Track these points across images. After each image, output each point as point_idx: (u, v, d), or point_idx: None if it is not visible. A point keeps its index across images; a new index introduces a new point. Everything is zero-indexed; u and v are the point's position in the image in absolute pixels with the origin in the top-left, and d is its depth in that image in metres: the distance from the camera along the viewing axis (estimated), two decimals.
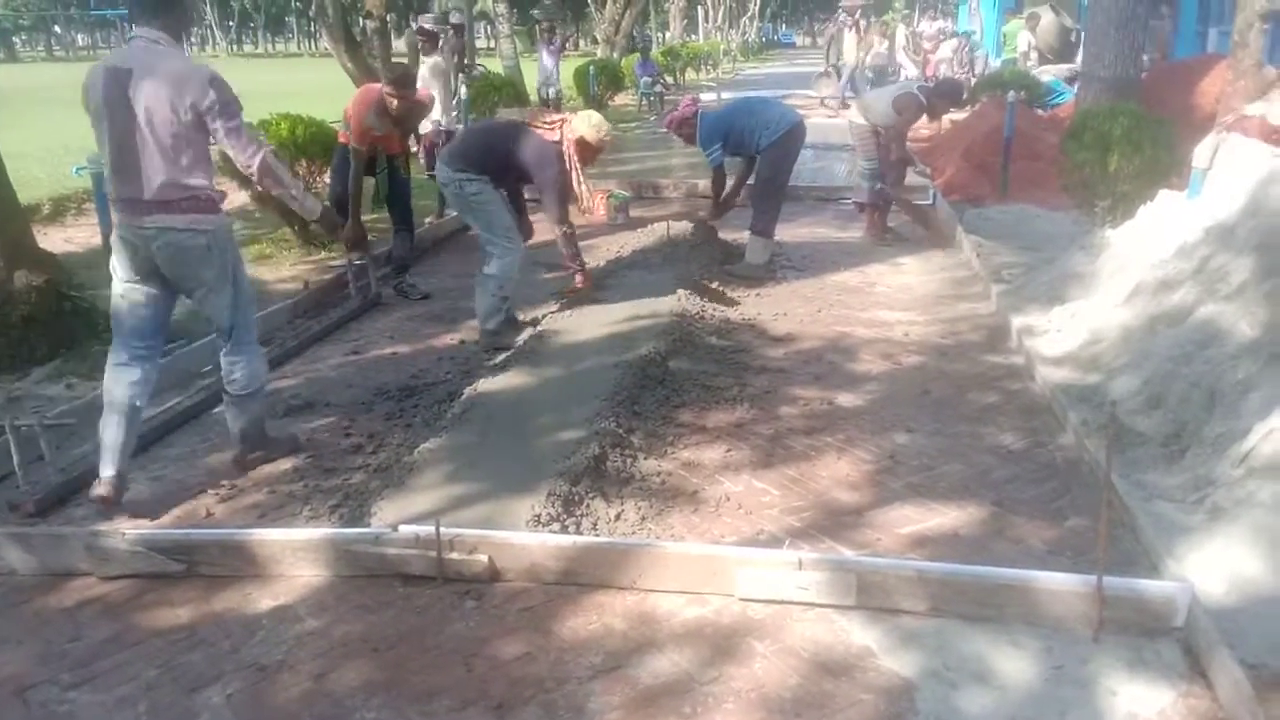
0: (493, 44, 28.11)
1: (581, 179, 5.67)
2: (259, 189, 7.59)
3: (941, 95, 7.62)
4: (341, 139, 6.65)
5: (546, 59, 16.43)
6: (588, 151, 5.63)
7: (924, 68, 18.74)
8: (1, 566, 3.22)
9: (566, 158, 5.53)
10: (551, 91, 16.57)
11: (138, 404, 3.65)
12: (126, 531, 3.20)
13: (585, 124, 5.57)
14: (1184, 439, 3.67)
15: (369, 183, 6.62)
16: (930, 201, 8.93)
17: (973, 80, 16.84)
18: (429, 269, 7.32)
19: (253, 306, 3.92)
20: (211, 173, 3.59)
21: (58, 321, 5.11)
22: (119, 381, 3.61)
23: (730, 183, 7.39)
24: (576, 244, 5.82)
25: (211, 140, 3.52)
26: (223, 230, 3.66)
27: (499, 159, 5.49)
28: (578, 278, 5.97)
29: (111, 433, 3.57)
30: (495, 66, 17.50)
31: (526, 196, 6.25)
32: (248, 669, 2.72)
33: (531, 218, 6.35)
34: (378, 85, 6.58)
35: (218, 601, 3.04)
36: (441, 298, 6.58)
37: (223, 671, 2.71)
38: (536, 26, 18.95)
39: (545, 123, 5.66)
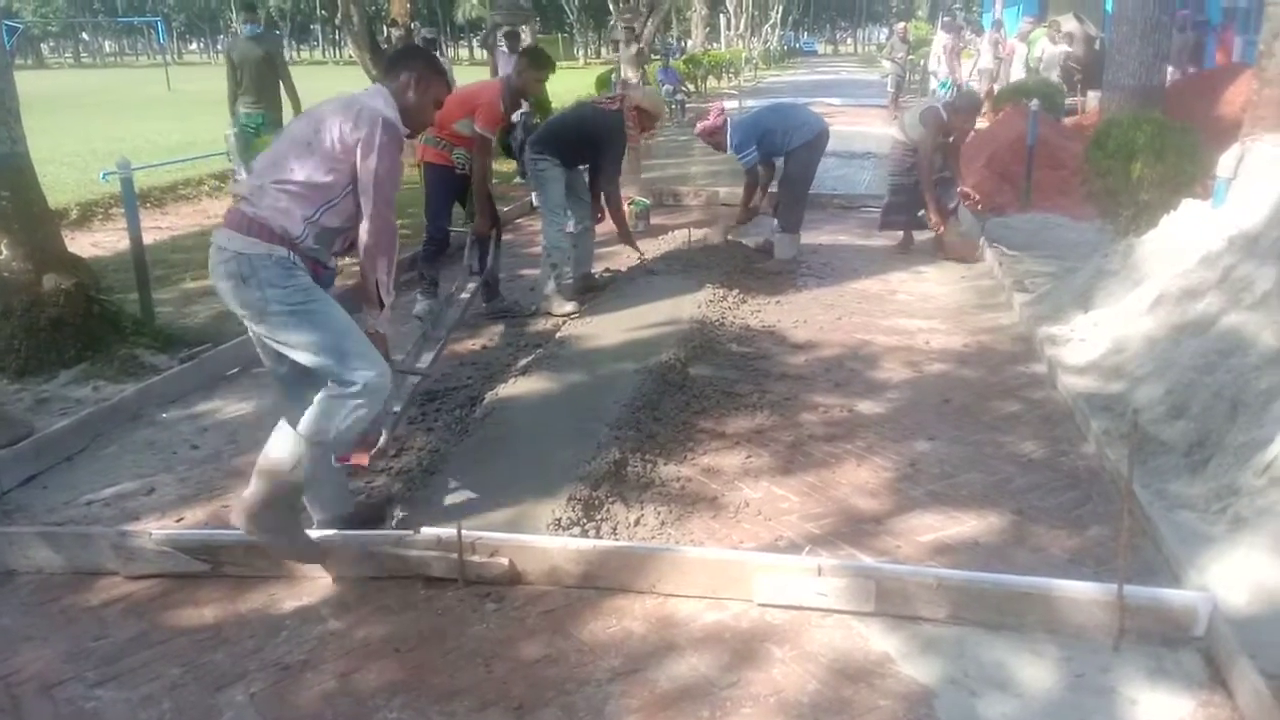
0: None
1: (643, 139, 6.86)
2: None
3: (958, 110, 7.55)
4: (432, 159, 5.99)
5: (506, 68, 12.61)
6: (646, 118, 6.52)
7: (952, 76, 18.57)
8: (29, 565, 3.26)
9: (628, 124, 6.31)
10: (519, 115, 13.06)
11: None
12: (153, 531, 3.24)
13: (641, 94, 6.53)
14: (1207, 448, 3.65)
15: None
16: (953, 206, 8.91)
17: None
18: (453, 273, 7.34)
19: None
20: None
21: (86, 324, 5.15)
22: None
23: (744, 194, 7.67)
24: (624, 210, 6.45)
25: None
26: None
27: (568, 137, 6.26)
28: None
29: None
30: None
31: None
32: (271, 668, 2.75)
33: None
34: (494, 82, 6.11)
35: (242, 601, 3.07)
36: None
37: (246, 670, 2.74)
38: (496, 32, 14.59)
39: (606, 98, 6.52)
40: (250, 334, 3.17)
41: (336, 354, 2.97)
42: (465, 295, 5.65)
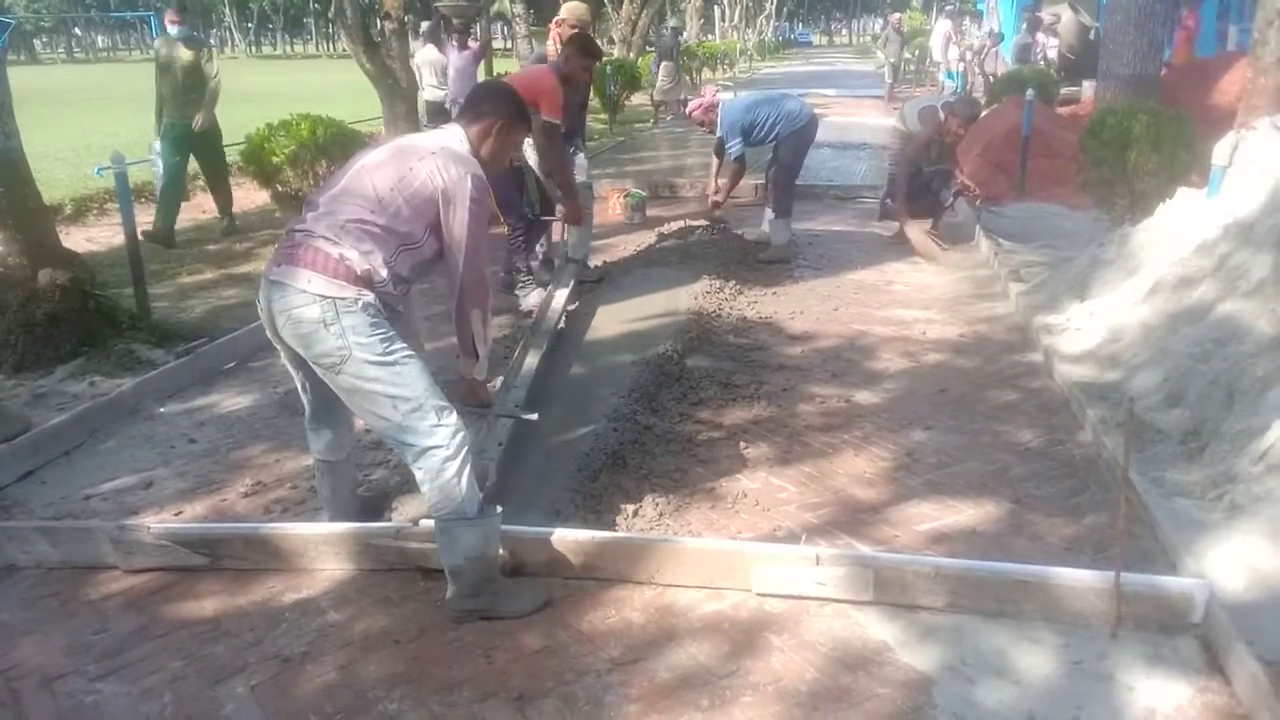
0: (509, 44, 28.15)
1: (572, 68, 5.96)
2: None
3: (956, 114, 7.50)
4: None
5: (455, 64, 11.54)
6: (564, 28, 6.35)
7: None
8: (29, 559, 3.26)
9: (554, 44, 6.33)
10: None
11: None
12: (152, 525, 3.24)
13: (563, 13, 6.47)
14: (1203, 436, 3.67)
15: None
16: (949, 202, 8.91)
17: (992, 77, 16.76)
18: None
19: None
20: None
21: (82, 319, 5.15)
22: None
23: (726, 180, 7.94)
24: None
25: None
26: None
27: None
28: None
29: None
30: (514, 67, 17.32)
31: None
32: (271, 660, 2.75)
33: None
34: (547, 69, 5.91)
35: (242, 594, 3.08)
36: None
37: (247, 663, 2.75)
38: (441, 22, 13.22)
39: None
40: (284, 357, 3.04)
41: (418, 413, 2.78)
42: (566, 278, 5.65)
